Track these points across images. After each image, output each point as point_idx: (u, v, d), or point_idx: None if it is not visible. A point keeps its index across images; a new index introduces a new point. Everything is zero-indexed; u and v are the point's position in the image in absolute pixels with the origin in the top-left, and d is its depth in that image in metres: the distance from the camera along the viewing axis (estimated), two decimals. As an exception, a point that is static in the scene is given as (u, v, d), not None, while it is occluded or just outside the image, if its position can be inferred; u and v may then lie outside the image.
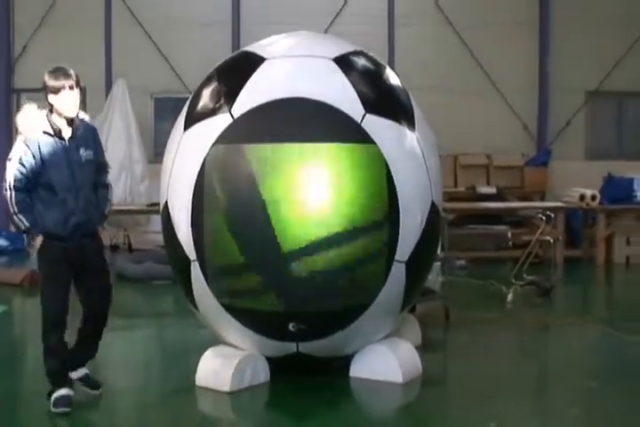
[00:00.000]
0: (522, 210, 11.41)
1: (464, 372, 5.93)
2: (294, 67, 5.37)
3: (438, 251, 6.47)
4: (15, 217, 4.81)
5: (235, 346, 5.45)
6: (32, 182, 4.79)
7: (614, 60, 14.23)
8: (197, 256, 5.15)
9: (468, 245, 11.11)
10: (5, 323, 8.03)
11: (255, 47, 5.64)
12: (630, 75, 14.21)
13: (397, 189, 5.06)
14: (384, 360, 5.45)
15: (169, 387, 5.63)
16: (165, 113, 13.64)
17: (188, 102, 5.61)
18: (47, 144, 4.80)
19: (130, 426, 4.97)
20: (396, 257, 5.13)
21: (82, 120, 4.97)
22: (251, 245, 4.98)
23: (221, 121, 5.14)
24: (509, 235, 11.85)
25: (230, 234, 4.99)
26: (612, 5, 14.21)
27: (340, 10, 14.37)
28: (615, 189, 11.99)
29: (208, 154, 5.09)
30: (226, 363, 5.31)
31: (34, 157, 4.76)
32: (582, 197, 11.63)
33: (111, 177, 5.36)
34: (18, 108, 5.04)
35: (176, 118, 5.65)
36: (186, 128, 5.39)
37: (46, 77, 4.80)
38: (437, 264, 7.30)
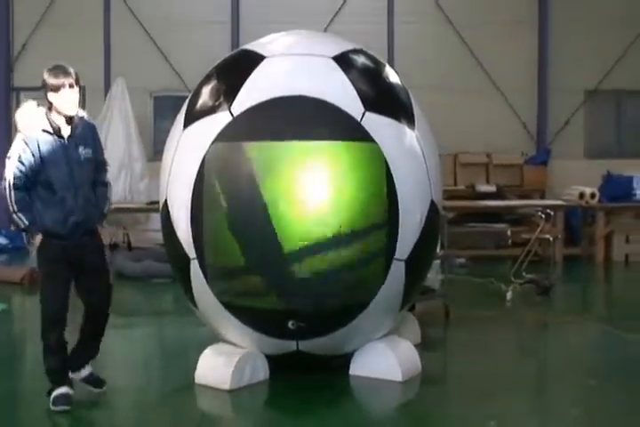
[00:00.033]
0: (521, 208, 11.40)
1: (463, 370, 5.94)
2: (294, 65, 5.37)
3: (438, 249, 6.48)
4: (14, 215, 4.80)
5: (234, 344, 5.45)
6: (31, 181, 4.78)
7: (613, 59, 14.25)
8: (197, 254, 5.15)
9: (467, 244, 11.12)
10: (5, 321, 8.03)
11: (255, 45, 5.64)
12: (630, 74, 14.24)
13: (397, 188, 5.06)
14: (384, 359, 5.46)
15: (168, 385, 5.63)
16: (165, 111, 13.65)
17: (187, 100, 5.60)
18: (46, 142, 4.79)
19: (129, 424, 4.97)
20: (396, 255, 5.13)
21: (81, 118, 4.96)
22: (250, 243, 4.98)
23: (221, 119, 5.14)
24: (509, 233, 11.85)
25: (230, 232, 4.99)
26: (612, 5, 14.22)
27: (340, 9, 14.38)
28: (614, 188, 12.02)
29: (207, 152, 5.09)
30: (225, 361, 5.31)
31: (33, 155, 4.75)
32: (582, 196, 11.65)
33: (111, 175, 5.35)
34: (17, 107, 5.03)
35: (175, 116, 5.65)
36: (185, 126, 5.39)
37: (46, 75, 4.78)
38: (437, 262, 7.31)
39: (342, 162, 4.99)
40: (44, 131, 4.80)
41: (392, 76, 5.60)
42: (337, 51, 5.41)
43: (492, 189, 12.83)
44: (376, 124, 5.12)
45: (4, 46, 14.22)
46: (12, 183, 4.74)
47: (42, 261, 4.89)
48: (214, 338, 5.65)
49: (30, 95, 5.56)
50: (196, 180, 5.10)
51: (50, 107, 4.84)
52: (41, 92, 4.86)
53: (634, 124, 14.79)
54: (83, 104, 5.07)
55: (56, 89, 4.76)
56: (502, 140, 14.01)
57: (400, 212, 5.08)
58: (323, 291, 5.02)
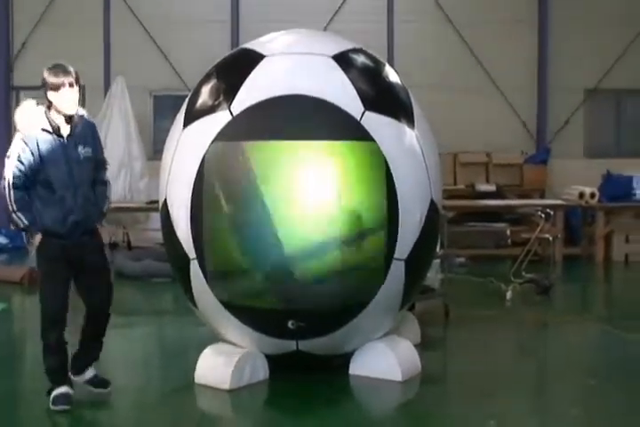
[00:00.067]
0: (521, 208, 11.40)
1: (463, 370, 5.93)
2: (293, 64, 5.36)
3: (437, 249, 6.47)
4: (14, 215, 4.78)
5: (234, 344, 5.45)
6: (30, 180, 4.77)
7: (613, 58, 14.24)
8: (197, 254, 5.14)
9: (467, 243, 11.10)
10: (5, 321, 8.03)
11: (254, 44, 5.64)
12: (629, 73, 14.23)
13: (397, 187, 5.06)
14: (383, 358, 5.45)
15: (168, 385, 5.63)
16: (164, 110, 13.64)
17: (187, 100, 5.60)
18: (45, 141, 4.78)
19: (129, 424, 4.96)
20: (396, 255, 5.13)
21: (81, 117, 4.95)
22: (250, 242, 4.97)
23: (220, 118, 5.14)
24: (508, 233, 11.84)
25: (229, 232, 4.99)
26: (612, 4, 14.21)
27: (339, 7, 14.36)
28: (614, 187, 12.00)
29: (207, 151, 5.09)
30: (225, 361, 5.30)
31: (32, 154, 4.74)
32: (581, 195, 11.64)
33: (110, 174, 5.34)
34: (17, 106, 5.02)
35: (175, 116, 5.65)
36: (185, 125, 5.39)
37: (46, 74, 4.77)
38: (437, 262, 7.31)
39: (342, 161, 4.98)
40: (44, 130, 4.79)
41: (392, 75, 5.60)
42: (337, 50, 5.41)
43: (491, 188, 12.82)
44: (376, 123, 5.11)
45: (4, 45, 14.20)
46: (11, 183, 4.73)
47: (41, 260, 4.88)
48: (214, 338, 5.64)
49: (30, 94, 5.55)
50: (195, 179, 5.10)
51: (49, 106, 4.83)
52: (41, 91, 4.84)
53: (634, 124, 14.78)
54: (82, 103, 5.05)
55: (56, 88, 4.74)
56: (502, 139, 14.00)
57: (400, 211, 5.08)
58: (322, 290, 5.02)
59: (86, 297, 4.98)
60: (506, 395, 5.34)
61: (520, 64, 14.33)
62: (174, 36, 14.13)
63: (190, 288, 5.36)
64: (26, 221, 4.78)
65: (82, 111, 4.99)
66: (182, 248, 5.24)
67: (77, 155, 4.85)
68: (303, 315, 5.09)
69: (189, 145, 5.28)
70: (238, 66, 5.47)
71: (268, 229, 4.91)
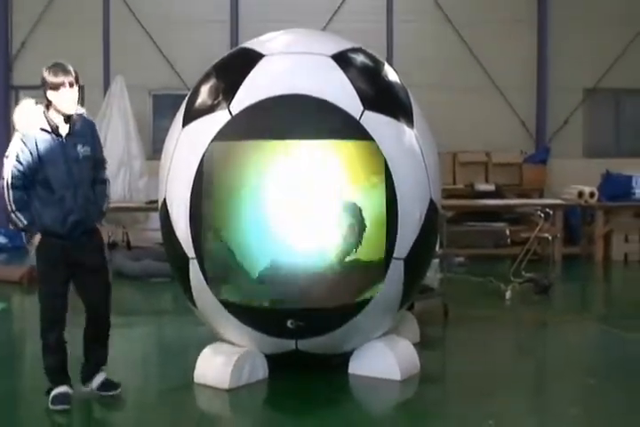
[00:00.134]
0: (520, 207, 11.41)
1: (462, 369, 5.93)
2: (293, 63, 5.36)
3: (437, 248, 6.47)
4: (13, 215, 4.77)
5: (233, 343, 5.45)
6: (29, 180, 4.76)
7: (613, 57, 14.25)
8: (196, 254, 5.14)
9: (466, 243, 11.11)
10: (4, 320, 8.03)
11: (254, 44, 5.63)
12: (629, 72, 14.23)
13: (396, 186, 5.06)
14: (382, 358, 5.45)
15: (167, 384, 5.63)
16: (164, 110, 13.63)
17: (186, 99, 5.60)
18: (44, 141, 4.77)
19: (128, 423, 4.97)
20: (395, 254, 5.13)
21: (80, 115, 4.93)
22: (249, 242, 4.97)
23: (220, 118, 5.14)
24: (508, 232, 11.84)
25: (229, 231, 4.99)
26: (611, 4, 14.22)
27: (339, 7, 14.36)
28: (613, 187, 12.01)
29: (206, 151, 5.09)
30: (224, 360, 5.30)
31: (31, 154, 4.73)
32: (581, 195, 11.64)
33: (109, 173, 5.33)
34: (16, 105, 5.01)
35: (174, 115, 5.65)
36: (184, 125, 5.39)
37: (45, 73, 4.75)
38: (436, 261, 7.31)
39: (341, 161, 4.98)
40: (42, 129, 4.78)
41: (391, 74, 5.60)
42: (336, 49, 5.41)
43: (490, 187, 12.83)
44: (375, 122, 5.11)
45: (3, 45, 14.20)
46: (9, 183, 4.72)
47: (41, 260, 4.88)
48: (213, 337, 5.64)
49: (29, 94, 5.54)
50: (195, 179, 5.10)
51: (48, 105, 4.82)
52: (40, 90, 4.83)
53: (633, 123, 14.79)
54: (82, 102, 5.04)
55: (55, 87, 4.73)
56: (501, 138, 14.01)
57: (399, 210, 5.08)
58: (321, 290, 5.02)
59: (84, 297, 4.98)
60: (505, 394, 5.34)
61: (519, 64, 14.33)
62: (174, 35, 14.13)
63: (189, 288, 5.36)
64: (25, 221, 4.77)
65: (81, 110, 4.97)
66: (181, 248, 5.24)
67: (76, 154, 4.84)
68: (302, 314, 5.09)
69: (188, 144, 5.28)
70: (237, 65, 5.47)
71: (267, 229, 4.91)
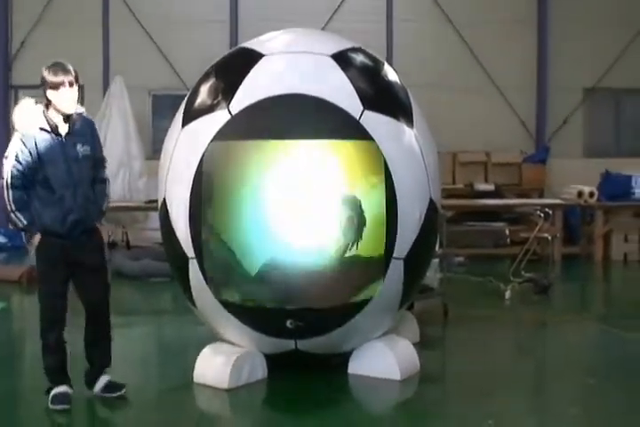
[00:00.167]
0: (520, 207, 11.41)
1: (462, 369, 5.93)
2: (292, 63, 5.36)
3: (436, 248, 6.47)
4: (13, 215, 4.77)
5: (233, 343, 5.45)
6: (29, 180, 4.76)
7: (612, 57, 14.25)
8: (195, 253, 5.14)
9: (466, 242, 11.11)
10: (4, 320, 8.03)
11: (253, 43, 5.63)
12: (628, 72, 14.23)
13: (395, 186, 5.06)
14: (382, 357, 5.45)
15: (167, 384, 5.63)
16: (163, 110, 13.61)
17: (185, 99, 5.59)
18: (44, 141, 4.76)
19: (128, 423, 4.97)
20: (395, 254, 5.13)
21: (79, 115, 4.93)
22: (249, 242, 4.97)
23: (219, 117, 5.13)
24: (507, 232, 11.84)
25: (228, 231, 4.98)
26: (611, 4, 14.21)
27: (338, 7, 14.35)
28: (613, 186, 12.01)
29: (206, 150, 5.08)
30: (224, 360, 5.30)
31: (30, 154, 4.73)
32: (580, 194, 11.64)
33: (109, 173, 5.32)
34: (16, 105, 5.01)
35: (174, 115, 5.64)
36: (184, 125, 5.39)
37: (45, 73, 4.74)
38: (436, 261, 7.31)
39: (341, 160, 4.98)
40: (42, 129, 4.78)
41: (391, 74, 5.60)
42: (336, 49, 5.41)
43: (490, 187, 12.83)
44: (375, 122, 5.11)
45: (3, 44, 14.19)
46: (9, 182, 4.72)
47: (40, 260, 4.87)
48: (213, 337, 5.64)
49: (29, 93, 5.53)
50: (194, 178, 5.09)
51: (48, 104, 4.81)
52: (40, 89, 4.83)
53: (632, 123, 14.79)
54: (82, 102, 5.04)
55: (55, 87, 4.72)
56: (501, 138, 14.00)
57: (399, 210, 5.08)
58: (321, 290, 5.02)
59: (83, 296, 4.97)
60: (504, 394, 5.34)
61: (519, 64, 14.33)
62: (173, 35, 14.11)
63: (189, 287, 5.36)
64: (25, 221, 4.77)
65: (80, 109, 4.96)
66: (181, 247, 5.24)
67: (76, 153, 4.83)
68: (302, 314, 5.08)
69: (188, 144, 5.27)
70: (237, 65, 5.47)
71: (266, 228, 4.91)
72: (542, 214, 9.30)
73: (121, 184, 12.39)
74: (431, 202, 5.39)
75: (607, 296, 9.91)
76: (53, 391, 4.88)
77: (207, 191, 5.05)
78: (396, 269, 5.18)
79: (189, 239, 5.15)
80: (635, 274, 10.95)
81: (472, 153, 13.49)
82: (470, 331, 7.04)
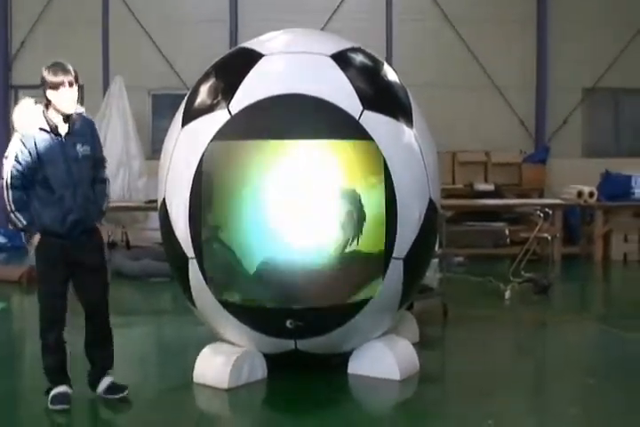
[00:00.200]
0: (520, 207, 11.41)
1: (462, 369, 5.93)
2: (292, 63, 5.36)
3: (436, 248, 6.47)
4: (12, 215, 4.77)
5: (232, 343, 5.45)
6: (29, 180, 4.75)
7: (611, 57, 14.25)
8: (195, 253, 5.14)
9: (465, 242, 11.11)
10: (4, 320, 8.03)
11: (253, 43, 5.63)
12: (627, 72, 14.23)
13: (395, 186, 5.06)
14: (382, 357, 5.45)
15: (167, 384, 5.63)
16: (163, 109, 13.62)
17: (185, 99, 5.59)
18: (43, 141, 4.76)
19: (128, 423, 4.97)
20: (394, 254, 5.13)
21: (79, 114, 4.92)
22: (248, 241, 4.97)
23: (219, 117, 5.13)
24: (507, 232, 11.84)
25: (228, 231, 4.98)
26: (610, 3, 14.21)
27: (338, 7, 14.35)
28: (613, 186, 12.01)
29: (206, 150, 5.08)
30: (224, 360, 5.30)
31: (30, 154, 4.72)
32: (580, 194, 11.64)
33: (109, 173, 5.31)
34: (16, 105, 5.01)
35: (174, 115, 5.64)
36: (183, 125, 5.38)
37: (45, 72, 4.74)
38: (435, 261, 7.31)
39: (340, 160, 4.98)
40: (42, 129, 4.77)
41: (390, 74, 5.60)
42: (335, 49, 5.41)
43: (490, 187, 12.83)
44: (374, 122, 5.11)
45: (3, 44, 14.20)
46: (9, 183, 4.72)
47: (40, 260, 4.87)
48: (212, 337, 5.64)
49: (29, 93, 5.53)
50: (194, 178, 5.09)
51: (47, 104, 4.81)
52: (39, 89, 4.83)
53: (632, 123, 14.79)
54: (81, 102, 5.04)
55: (55, 87, 4.72)
56: (500, 138, 14.01)
57: (398, 210, 5.08)
58: (321, 290, 5.02)
59: (82, 295, 4.97)
60: (504, 394, 5.34)
61: (519, 63, 14.34)
62: (173, 35, 14.12)
63: (189, 287, 5.36)
64: (24, 221, 4.77)
65: (80, 109, 4.95)
66: (181, 247, 5.24)
67: (76, 153, 4.83)
68: (302, 314, 5.08)
69: (188, 144, 5.27)
70: (237, 65, 5.47)
71: (265, 228, 4.91)
72: (542, 214, 9.30)
73: (120, 184, 12.39)
74: (431, 202, 5.39)
75: (607, 296, 9.91)
76: (53, 392, 4.88)
77: (207, 191, 5.04)
78: (396, 269, 5.17)
79: (189, 239, 5.15)
80: (634, 274, 10.95)
81: (472, 153, 13.49)
82: (470, 331, 7.04)
